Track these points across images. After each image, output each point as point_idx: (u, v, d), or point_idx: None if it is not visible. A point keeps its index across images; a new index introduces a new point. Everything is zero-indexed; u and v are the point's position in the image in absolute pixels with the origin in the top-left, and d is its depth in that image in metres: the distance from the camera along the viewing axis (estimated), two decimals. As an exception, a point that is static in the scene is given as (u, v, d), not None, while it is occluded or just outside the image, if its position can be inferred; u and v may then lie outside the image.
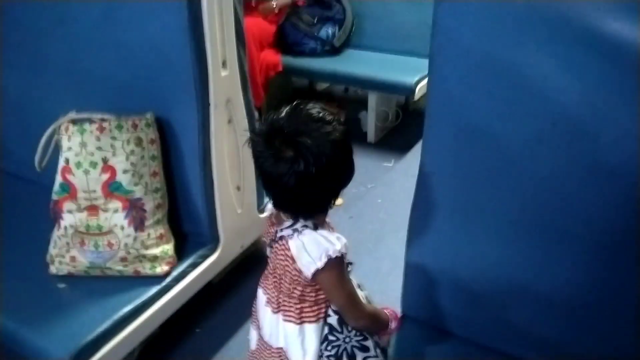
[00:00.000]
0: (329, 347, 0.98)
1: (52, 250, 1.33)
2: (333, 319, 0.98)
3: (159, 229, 1.35)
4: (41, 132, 1.33)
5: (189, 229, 1.51)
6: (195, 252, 1.49)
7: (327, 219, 0.99)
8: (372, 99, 2.73)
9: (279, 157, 0.84)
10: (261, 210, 1.69)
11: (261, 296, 1.04)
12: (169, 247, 1.38)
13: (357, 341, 1.00)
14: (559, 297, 1.03)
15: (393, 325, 1.06)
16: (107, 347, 1.24)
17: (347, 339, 0.99)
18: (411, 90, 2.51)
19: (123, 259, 1.32)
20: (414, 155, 2.67)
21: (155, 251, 1.35)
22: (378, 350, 1.02)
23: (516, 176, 0.99)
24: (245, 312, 1.84)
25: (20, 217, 1.58)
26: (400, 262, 1.21)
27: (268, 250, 1.01)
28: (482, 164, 1.02)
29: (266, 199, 1.71)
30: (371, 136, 2.83)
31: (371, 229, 2.14)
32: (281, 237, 0.94)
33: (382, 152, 2.76)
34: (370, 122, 2.79)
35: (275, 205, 0.95)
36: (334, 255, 0.89)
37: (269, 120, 0.87)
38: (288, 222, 0.93)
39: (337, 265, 0.91)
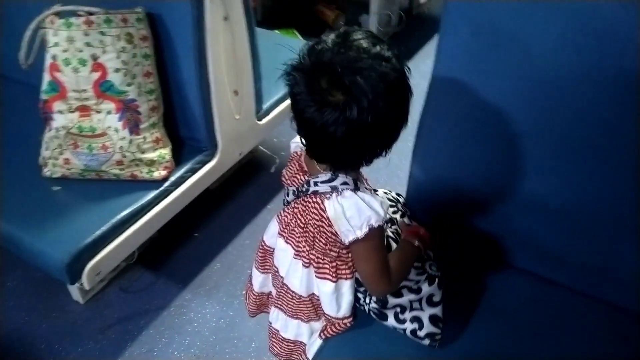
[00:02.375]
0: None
1: (45, 152, 1.29)
2: None
3: (155, 132, 1.30)
4: (26, 28, 1.23)
5: (186, 134, 1.46)
6: (193, 157, 1.45)
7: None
8: (375, 1, 2.58)
9: (326, 101, 0.70)
10: (260, 117, 1.64)
11: (283, 247, 0.94)
12: (166, 152, 1.34)
13: None
14: (566, 208, 1.01)
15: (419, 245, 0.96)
16: (106, 249, 1.24)
17: None
18: (417, -8, 2.36)
19: (119, 163, 1.28)
20: (416, 63, 2.57)
21: (152, 155, 1.31)
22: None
23: (535, 82, 0.93)
24: (242, 219, 1.87)
25: (9, 120, 1.52)
26: (399, 172, 1.19)
27: (290, 196, 0.90)
28: (500, 67, 0.96)
29: (264, 105, 1.65)
30: (372, 42, 2.70)
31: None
32: (315, 192, 0.83)
33: (383, 58, 2.65)
34: (372, 27, 2.66)
35: (312, 155, 0.82)
36: (376, 225, 0.80)
37: (312, 52, 0.72)
38: (324, 176, 0.82)
39: (377, 235, 0.83)
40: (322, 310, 0.96)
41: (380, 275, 0.87)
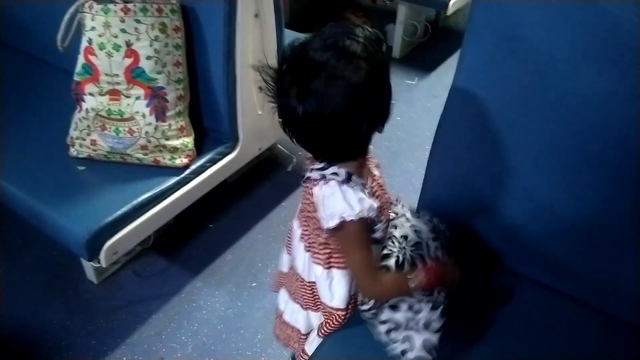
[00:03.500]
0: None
1: (73, 133, 1.34)
2: None
3: (180, 120, 1.34)
4: (64, 12, 1.28)
5: (209, 124, 1.50)
6: (215, 148, 1.49)
7: (373, 165, 0.93)
8: (402, 11, 2.62)
9: (286, 92, 0.75)
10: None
11: (296, 229, 0.98)
12: (189, 140, 1.38)
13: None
14: (576, 220, 1.02)
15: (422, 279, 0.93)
16: (124, 230, 1.28)
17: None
18: (444, 3, 2.39)
19: (143, 147, 1.32)
20: (439, 75, 2.60)
21: (176, 143, 1.35)
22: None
23: (555, 94, 0.95)
24: (256, 214, 1.90)
25: (41, 100, 1.58)
26: (414, 180, 1.19)
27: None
28: (521, 78, 0.98)
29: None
30: (396, 51, 2.73)
31: (387, 146, 2.12)
32: (308, 179, 0.86)
33: (406, 68, 2.68)
34: (397, 36, 2.69)
35: (299, 143, 0.84)
36: (348, 219, 0.81)
37: (289, 45, 0.76)
38: (318, 164, 0.85)
39: (353, 230, 0.84)
40: (320, 300, 0.98)
41: (362, 273, 0.89)
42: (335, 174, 0.83)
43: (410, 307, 0.93)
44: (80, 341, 1.49)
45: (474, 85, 1.04)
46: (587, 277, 1.06)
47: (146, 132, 1.30)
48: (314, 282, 0.97)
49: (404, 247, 1.00)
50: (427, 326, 0.93)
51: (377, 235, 0.92)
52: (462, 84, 1.06)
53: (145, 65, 1.25)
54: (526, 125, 1.01)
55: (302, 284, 0.98)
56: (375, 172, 0.95)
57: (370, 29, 0.79)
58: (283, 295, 1.06)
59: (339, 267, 0.93)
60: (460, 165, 1.13)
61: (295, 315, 1.04)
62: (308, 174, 0.86)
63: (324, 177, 0.84)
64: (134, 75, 1.26)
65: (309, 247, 0.94)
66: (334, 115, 0.74)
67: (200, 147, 1.45)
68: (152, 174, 1.36)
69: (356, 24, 0.79)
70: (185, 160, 1.38)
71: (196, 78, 1.41)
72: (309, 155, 0.88)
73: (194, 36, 1.36)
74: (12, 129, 1.46)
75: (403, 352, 0.92)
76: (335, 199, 0.82)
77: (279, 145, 2.06)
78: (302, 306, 1.02)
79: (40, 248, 1.71)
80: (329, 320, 0.99)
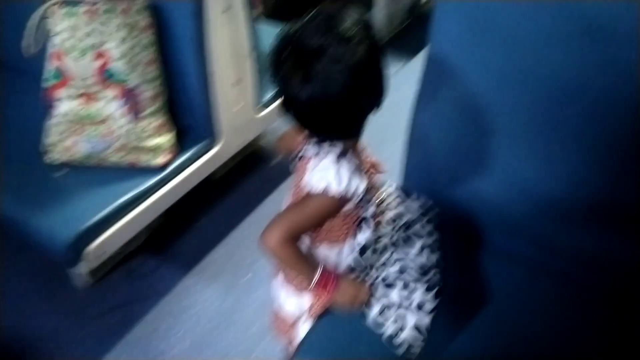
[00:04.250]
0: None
1: (48, 139, 1.33)
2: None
3: (156, 119, 1.34)
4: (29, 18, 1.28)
5: (187, 122, 1.49)
6: (194, 146, 1.48)
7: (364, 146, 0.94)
8: (380, -1, 2.60)
9: (288, 78, 0.77)
10: (260, 109, 1.67)
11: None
12: (168, 138, 1.38)
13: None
14: (557, 196, 1.02)
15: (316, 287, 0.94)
16: (108, 231, 1.28)
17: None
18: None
19: (120, 149, 1.32)
20: (419, 62, 2.58)
21: (154, 142, 1.34)
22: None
23: (525, 72, 0.95)
24: (244, 209, 1.90)
25: (13, 108, 1.56)
26: (397, 165, 1.20)
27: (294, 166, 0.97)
28: (491, 59, 0.97)
29: (266, 96, 1.68)
30: (377, 38, 2.71)
31: (370, 134, 2.12)
32: (302, 157, 0.89)
33: (388, 55, 2.66)
34: (378, 24, 2.68)
35: (302, 126, 0.86)
36: (330, 192, 0.84)
37: (282, 32, 0.78)
38: (314, 142, 0.88)
39: (325, 203, 0.86)
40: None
41: (282, 226, 0.87)
42: (332, 146, 0.86)
43: (405, 286, 0.95)
44: (76, 344, 1.50)
45: (447, 64, 1.03)
46: (573, 252, 1.06)
47: (122, 134, 1.29)
48: None
49: (396, 229, 1.02)
50: (420, 307, 0.95)
51: (369, 213, 0.93)
52: (434, 66, 1.06)
53: (116, 66, 1.25)
54: (499, 103, 1.01)
55: None
56: (367, 152, 0.97)
57: (356, 11, 0.80)
58: (278, 281, 1.07)
59: (327, 242, 0.95)
60: (438, 147, 1.13)
61: (289, 299, 1.05)
62: (303, 153, 0.88)
63: (321, 150, 0.86)
64: (106, 76, 1.25)
65: None
66: (337, 96, 0.76)
67: (180, 145, 1.45)
68: (131, 175, 1.36)
69: (344, 8, 0.80)
70: (165, 159, 1.37)
71: (172, 75, 1.41)
72: (299, 139, 0.91)
73: (166, 34, 1.35)
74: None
75: (392, 336, 0.93)
76: (328, 170, 0.84)
77: (264, 139, 2.07)
78: (295, 288, 1.03)
79: (33, 253, 1.70)
80: (318, 297, 0.99)
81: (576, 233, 1.04)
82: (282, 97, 0.80)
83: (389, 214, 1.05)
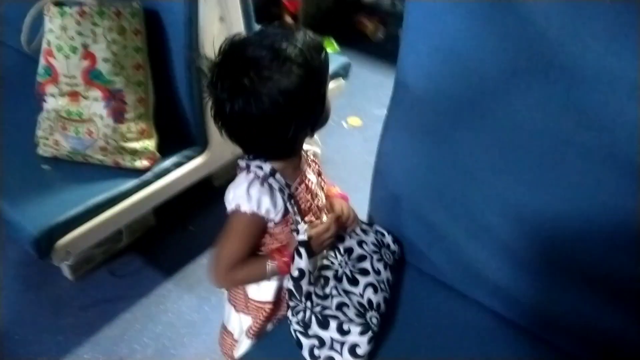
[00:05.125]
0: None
1: (38, 132, 1.36)
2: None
3: (140, 123, 1.35)
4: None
5: (176, 127, 1.50)
6: (180, 151, 1.48)
7: (312, 170, 0.93)
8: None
9: (216, 86, 0.76)
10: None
11: None
12: (150, 143, 1.38)
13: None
14: (517, 242, 0.96)
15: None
16: (80, 228, 1.29)
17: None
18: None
19: (103, 149, 1.33)
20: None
21: (136, 145, 1.35)
22: None
23: (488, 109, 0.89)
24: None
25: (22, 94, 1.59)
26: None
27: None
28: (454, 90, 0.93)
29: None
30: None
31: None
32: (237, 166, 0.89)
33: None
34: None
35: (230, 138, 0.85)
36: (241, 209, 0.84)
37: (229, 40, 0.77)
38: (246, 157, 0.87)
39: (241, 220, 0.86)
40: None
41: (222, 262, 0.89)
42: (259, 167, 0.85)
43: (339, 328, 0.90)
44: (47, 336, 1.52)
45: (412, 95, 0.99)
46: (530, 304, 0.99)
47: (104, 134, 1.30)
48: None
49: (346, 262, 0.98)
50: (352, 351, 0.90)
51: (300, 237, 0.89)
52: (400, 95, 1.02)
53: (103, 67, 1.26)
54: (460, 140, 0.96)
55: None
56: (310, 176, 0.93)
57: (312, 35, 0.79)
58: (225, 297, 1.06)
59: None
60: (400, 178, 1.08)
61: (231, 318, 1.04)
62: (239, 162, 0.88)
63: (248, 167, 0.85)
64: (92, 77, 1.27)
65: None
66: (259, 115, 0.74)
67: (165, 150, 1.45)
68: (112, 175, 1.37)
69: (298, 28, 0.79)
70: (146, 163, 1.38)
71: (162, 81, 1.42)
72: None
73: (158, 39, 1.37)
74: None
75: None
76: (240, 189, 0.84)
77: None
78: (235, 308, 1.02)
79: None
80: (257, 317, 0.98)
81: (538, 285, 0.96)
82: (212, 106, 0.78)
83: (341, 245, 1.00)
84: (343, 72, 1.90)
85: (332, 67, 1.85)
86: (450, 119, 0.95)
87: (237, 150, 1.66)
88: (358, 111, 2.41)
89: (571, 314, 0.94)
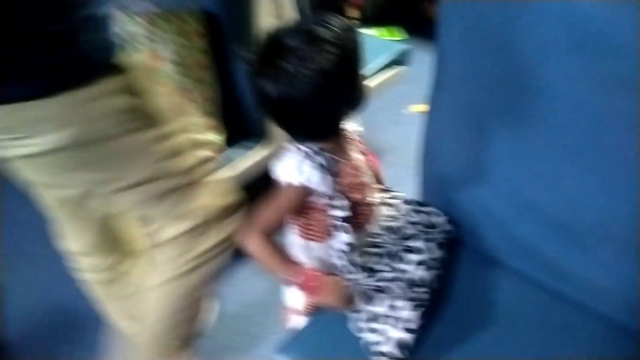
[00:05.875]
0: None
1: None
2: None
3: (209, 119, 1.45)
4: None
5: (239, 124, 1.58)
6: (244, 144, 1.58)
7: (356, 149, 0.97)
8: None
9: (261, 75, 0.80)
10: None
11: None
12: (216, 138, 1.49)
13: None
14: (562, 217, 0.96)
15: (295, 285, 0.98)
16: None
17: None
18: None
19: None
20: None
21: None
22: None
23: (526, 86, 0.90)
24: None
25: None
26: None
27: None
28: (493, 69, 0.93)
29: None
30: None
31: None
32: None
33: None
34: None
35: (277, 124, 0.89)
36: (293, 184, 0.88)
37: (270, 33, 0.82)
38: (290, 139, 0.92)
39: (287, 193, 0.90)
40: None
41: (257, 225, 0.92)
42: (308, 146, 0.89)
43: (392, 299, 0.94)
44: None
45: (452, 79, 1.02)
46: (578, 275, 0.99)
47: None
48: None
49: (398, 240, 1.03)
50: (404, 325, 0.94)
51: (341, 212, 0.94)
52: (441, 78, 1.04)
53: (169, 68, 1.38)
54: (502, 118, 0.97)
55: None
56: (354, 154, 0.98)
57: (343, 20, 0.83)
58: None
59: (314, 239, 0.99)
60: (447, 161, 1.10)
61: (290, 292, 1.10)
62: (287, 145, 0.93)
63: (297, 147, 0.90)
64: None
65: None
66: (303, 96, 0.79)
67: (231, 143, 1.55)
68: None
69: (333, 14, 0.83)
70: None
71: (225, 81, 1.51)
72: None
73: (222, 41, 1.46)
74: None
75: (373, 344, 0.94)
76: (292, 164, 0.89)
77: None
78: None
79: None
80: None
81: (588, 260, 0.96)
82: (257, 94, 0.84)
83: (392, 224, 1.04)
84: (402, 59, 1.91)
85: (391, 54, 1.91)
86: (490, 98, 0.96)
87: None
88: (425, 97, 2.40)
89: (623, 285, 0.93)
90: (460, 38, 0.96)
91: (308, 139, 0.90)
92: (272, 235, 0.94)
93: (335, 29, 0.79)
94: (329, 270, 0.99)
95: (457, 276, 1.08)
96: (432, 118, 1.09)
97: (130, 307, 1.25)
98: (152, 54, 1.38)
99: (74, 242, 1.18)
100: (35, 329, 1.65)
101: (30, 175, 0.94)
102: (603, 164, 0.86)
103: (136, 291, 1.22)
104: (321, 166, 0.88)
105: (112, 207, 1.04)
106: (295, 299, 1.10)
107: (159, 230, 1.06)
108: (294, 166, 0.88)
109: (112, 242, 1.20)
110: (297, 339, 1.02)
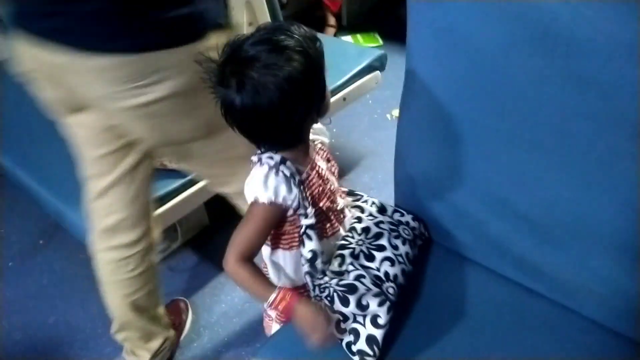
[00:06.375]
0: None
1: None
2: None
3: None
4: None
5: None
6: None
7: (320, 157, 0.97)
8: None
9: (225, 85, 0.80)
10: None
11: None
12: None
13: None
14: (536, 214, 0.97)
15: (272, 312, 0.99)
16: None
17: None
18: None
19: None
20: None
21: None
22: None
23: (493, 84, 0.91)
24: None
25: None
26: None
27: None
28: (461, 69, 0.94)
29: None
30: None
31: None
32: (250, 161, 0.92)
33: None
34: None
35: (239, 133, 0.88)
36: (260, 200, 0.88)
37: (230, 42, 0.81)
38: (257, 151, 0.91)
39: (259, 211, 0.89)
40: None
41: (235, 248, 0.91)
42: (270, 157, 0.89)
43: (358, 303, 0.95)
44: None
45: (422, 78, 1.02)
46: (558, 276, 1.00)
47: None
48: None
49: (362, 240, 1.03)
50: (373, 321, 0.95)
51: (308, 221, 0.93)
52: (411, 81, 1.05)
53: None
54: (471, 116, 0.98)
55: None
56: (320, 162, 0.98)
57: (305, 28, 0.83)
58: None
59: (283, 249, 0.98)
60: (419, 164, 1.11)
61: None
62: (251, 159, 0.92)
63: (260, 159, 0.90)
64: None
65: None
66: (268, 104, 0.78)
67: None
68: (162, 176, 1.48)
69: (291, 22, 0.83)
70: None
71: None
72: None
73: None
74: (48, 137, 1.65)
75: (348, 345, 0.95)
76: (256, 180, 0.88)
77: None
78: None
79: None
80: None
81: (561, 257, 0.97)
82: (220, 104, 0.83)
83: (358, 226, 1.05)
84: (379, 65, 1.93)
85: (367, 60, 1.93)
86: (459, 98, 0.97)
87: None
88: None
89: (597, 281, 0.94)
90: (428, 40, 0.97)
91: (273, 147, 0.89)
92: (253, 258, 0.93)
93: (298, 36, 0.79)
94: (300, 280, 1.00)
95: (431, 276, 1.10)
96: (403, 121, 1.10)
97: (138, 287, 1.32)
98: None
99: (118, 214, 1.22)
100: (14, 347, 1.64)
101: (135, 127, 1.04)
102: (571, 159, 0.87)
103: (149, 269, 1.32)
104: (286, 177, 0.88)
105: (193, 160, 1.17)
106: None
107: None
108: (260, 181, 0.87)
109: (146, 217, 1.27)
110: (272, 342, 1.03)
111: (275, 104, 0.78)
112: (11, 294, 1.80)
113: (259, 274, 0.93)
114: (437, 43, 0.96)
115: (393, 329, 0.98)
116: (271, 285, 0.93)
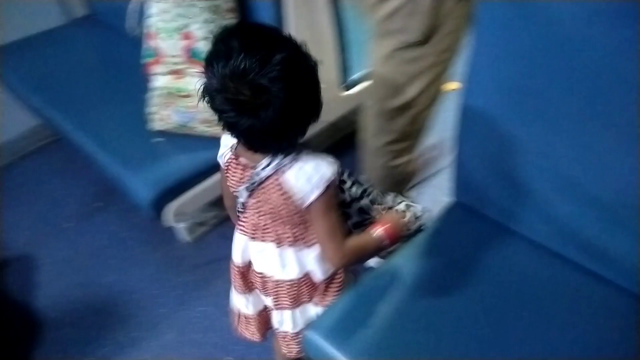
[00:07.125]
0: None
1: (149, 108, 1.52)
2: None
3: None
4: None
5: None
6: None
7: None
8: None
9: (222, 111, 0.79)
10: (347, 87, 1.70)
11: (262, 247, 1.00)
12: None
13: None
14: (607, 197, 0.92)
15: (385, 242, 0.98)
16: (186, 194, 1.45)
17: None
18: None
19: (203, 122, 1.45)
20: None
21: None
22: None
23: (569, 58, 0.87)
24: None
25: (126, 76, 1.75)
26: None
27: (242, 199, 0.95)
28: (536, 44, 0.90)
29: (352, 76, 1.70)
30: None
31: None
32: (268, 177, 0.88)
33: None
34: None
35: (251, 148, 0.87)
36: (332, 179, 0.86)
37: (220, 66, 0.78)
38: (268, 159, 0.87)
39: (333, 191, 0.88)
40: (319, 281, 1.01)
41: (333, 234, 0.90)
42: (293, 154, 0.87)
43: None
44: (169, 291, 1.72)
45: (490, 50, 0.97)
46: (619, 257, 0.96)
47: (204, 108, 1.42)
48: (306, 272, 1.00)
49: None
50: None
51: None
52: (479, 49, 1.00)
53: (201, 45, 1.37)
54: (544, 93, 0.94)
55: (299, 282, 1.00)
56: None
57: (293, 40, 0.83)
58: (280, 316, 1.08)
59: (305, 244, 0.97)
60: (487, 138, 1.07)
61: (306, 315, 1.06)
62: (264, 174, 0.88)
63: (292, 160, 0.86)
64: (192, 55, 1.39)
65: (293, 240, 0.96)
66: (271, 122, 0.78)
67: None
68: (214, 145, 1.49)
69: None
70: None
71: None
72: (242, 167, 0.92)
73: (249, 16, 1.45)
74: (106, 103, 1.71)
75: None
76: (314, 167, 0.86)
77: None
78: (306, 301, 1.04)
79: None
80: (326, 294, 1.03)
81: (630, 241, 0.92)
82: (223, 124, 0.83)
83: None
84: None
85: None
86: (531, 71, 0.93)
87: (329, 118, 1.74)
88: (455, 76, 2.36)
89: (623, 248, 0.92)
90: (499, 9, 0.92)
91: (287, 149, 0.87)
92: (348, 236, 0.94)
93: (279, 65, 0.76)
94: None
95: (493, 259, 1.07)
96: (470, 92, 1.05)
97: None
98: (183, 32, 1.37)
99: None
100: (71, 305, 1.71)
101: None
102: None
103: None
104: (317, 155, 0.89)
105: None
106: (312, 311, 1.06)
107: None
108: (313, 170, 0.86)
109: None
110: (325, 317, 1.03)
111: (278, 120, 0.77)
112: (67, 254, 1.87)
113: (356, 242, 0.95)
114: (509, 14, 0.91)
115: (458, 311, 0.97)
116: (367, 235, 0.96)
